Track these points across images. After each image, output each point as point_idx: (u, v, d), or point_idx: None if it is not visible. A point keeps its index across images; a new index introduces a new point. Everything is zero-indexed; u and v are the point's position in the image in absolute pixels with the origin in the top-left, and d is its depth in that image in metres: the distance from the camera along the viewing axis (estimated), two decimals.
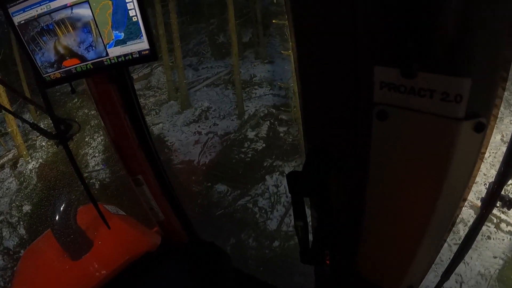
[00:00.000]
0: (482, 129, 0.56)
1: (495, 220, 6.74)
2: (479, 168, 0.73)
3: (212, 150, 8.16)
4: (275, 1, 10.47)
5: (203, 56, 12.39)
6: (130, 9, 1.11)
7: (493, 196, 0.80)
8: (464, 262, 5.90)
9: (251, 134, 8.36)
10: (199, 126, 8.99)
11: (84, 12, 1.09)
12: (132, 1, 1.09)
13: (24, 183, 8.06)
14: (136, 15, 1.12)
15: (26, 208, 7.29)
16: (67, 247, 1.90)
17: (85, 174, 7.63)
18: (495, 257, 6.12)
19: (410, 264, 0.82)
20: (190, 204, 6.60)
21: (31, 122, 1.48)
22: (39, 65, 1.15)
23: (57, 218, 1.85)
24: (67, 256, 1.92)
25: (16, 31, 1.09)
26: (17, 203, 7.53)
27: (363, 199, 0.77)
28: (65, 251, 1.91)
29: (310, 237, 0.85)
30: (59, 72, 1.17)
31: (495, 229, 6.60)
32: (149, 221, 2.15)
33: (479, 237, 6.33)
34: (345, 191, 0.80)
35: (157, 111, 9.78)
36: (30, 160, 8.63)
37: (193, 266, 2.07)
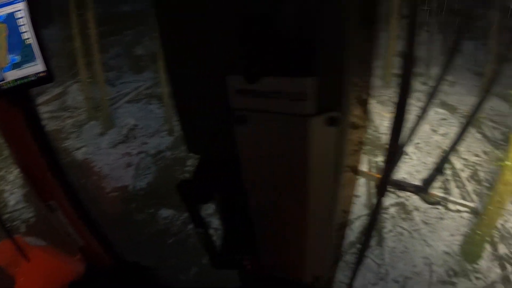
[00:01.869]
0: (336, 123, 0.62)
1: (450, 206, 6.86)
2: (359, 160, 0.85)
3: (148, 171, 7.28)
4: None
5: (120, 70, 11.53)
6: (24, 32, 1.11)
7: (383, 182, 0.87)
8: (428, 245, 5.98)
9: None
10: (128, 147, 8.02)
11: None
12: (26, 24, 1.09)
13: None
14: (31, 37, 1.12)
15: None
16: None
17: (6, 215, 6.59)
18: (452, 235, 6.26)
19: (306, 256, 0.86)
20: (136, 235, 5.73)
21: None
22: None
23: None
24: None
25: None
26: None
27: (249, 201, 0.82)
28: None
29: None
30: None
31: (445, 210, 6.76)
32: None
33: (433, 219, 6.69)
34: (233, 194, 0.84)
35: (77, 133, 8.61)
36: None
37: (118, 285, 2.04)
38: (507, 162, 5.12)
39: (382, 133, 9.02)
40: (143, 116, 9.08)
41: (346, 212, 0.96)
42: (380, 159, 8.03)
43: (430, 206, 6.66)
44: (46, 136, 1.61)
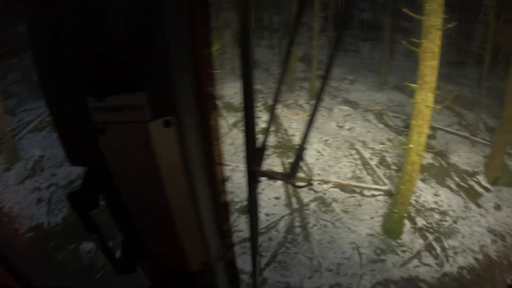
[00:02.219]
0: (169, 125, 0.76)
1: (365, 192, 7.46)
2: (219, 153, 0.97)
3: (61, 205, 6.74)
4: None
5: (20, 97, 10.60)
6: None
7: (249, 173, 1.03)
8: (352, 231, 6.41)
9: None
10: (36, 181, 7.32)
11: None
12: None
13: None
14: None
15: None
16: None
17: None
18: (372, 218, 6.79)
19: (184, 247, 0.94)
20: (61, 276, 5.31)
21: None
22: None
23: None
24: None
25: None
26: None
27: (125, 203, 0.91)
28: None
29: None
30: None
31: (361, 197, 7.31)
32: None
33: (352, 207, 7.20)
34: (118, 199, 0.93)
35: None
36: None
37: None
38: (410, 145, 5.63)
39: (291, 135, 9.47)
40: (49, 145, 8.32)
41: (221, 201, 1.06)
42: (291, 160, 8.20)
43: (346, 196, 7.22)
44: None
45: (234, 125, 9.49)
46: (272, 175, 1.22)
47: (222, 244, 1.13)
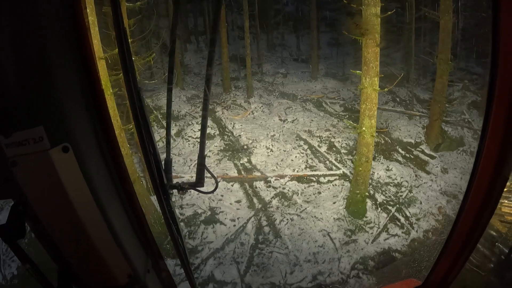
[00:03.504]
0: (68, 150, 0.86)
1: (321, 179, 7.55)
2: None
3: (12, 255, 5.90)
4: None
5: None
6: None
7: (157, 187, 1.11)
8: (319, 219, 6.46)
9: None
10: None
11: None
12: None
13: None
14: None
15: None
16: None
17: None
18: (334, 203, 6.89)
19: (107, 263, 1.00)
20: None
21: None
22: None
23: None
24: None
25: None
26: None
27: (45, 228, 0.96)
28: None
29: None
30: None
31: (318, 185, 7.41)
32: None
33: (313, 197, 7.25)
34: (41, 228, 0.98)
35: None
36: None
37: None
38: (363, 129, 5.79)
39: (237, 136, 9.33)
40: None
41: (137, 213, 1.12)
42: (244, 160, 8.25)
43: (305, 186, 7.24)
44: None
45: (177, 134, 9.05)
46: (181, 187, 1.29)
47: (147, 254, 1.18)
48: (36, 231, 0.99)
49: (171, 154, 1.22)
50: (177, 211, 6.82)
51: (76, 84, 0.92)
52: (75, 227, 0.96)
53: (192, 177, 7.16)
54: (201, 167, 1.32)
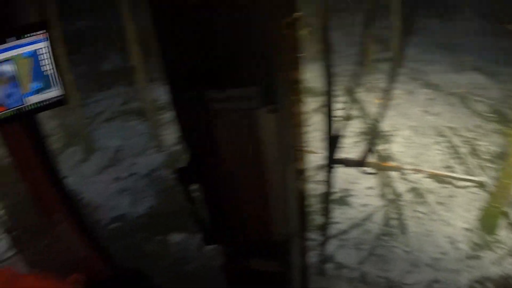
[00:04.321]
0: (276, 111, 0.95)
1: (458, 183, 6.87)
2: (303, 138, 1.12)
3: (144, 195, 6.63)
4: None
5: (87, 89, 10.82)
6: (46, 65, 1.35)
7: (327, 160, 1.55)
8: (448, 224, 5.97)
9: None
10: (116, 171, 7.31)
11: (8, 68, 1.28)
12: (49, 58, 1.33)
13: None
14: (52, 69, 1.36)
15: None
16: None
17: None
18: (467, 211, 6.20)
19: (271, 218, 1.14)
20: (150, 269, 5.14)
21: None
22: None
23: None
24: None
25: None
26: None
27: (227, 180, 1.08)
28: None
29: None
30: None
31: (455, 188, 6.75)
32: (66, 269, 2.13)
33: (446, 199, 6.65)
34: (216, 176, 1.10)
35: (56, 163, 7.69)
36: None
37: None
38: None
39: (376, 121, 8.75)
40: (124, 134, 8.41)
41: (301, 179, 1.20)
42: (382, 147, 7.89)
43: (439, 186, 6.70)
44: (48, 155, 1.80)
45: (316, 110, 9.03)
46: (348, 162, 1.27)
47: (300, 223, 1.27)
48: (208, 180, 1.13)
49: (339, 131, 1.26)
50: (312, 185, 6.92)
51: (284, 49, 0.97)
52: (258, 183, 1.06)
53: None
54: (370, 147, 1.55)
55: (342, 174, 6.64)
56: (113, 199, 6.63)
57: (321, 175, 6.64)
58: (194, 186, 1.22)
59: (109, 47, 12.24)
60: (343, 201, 6.57)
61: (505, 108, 9.17)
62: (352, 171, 6.91)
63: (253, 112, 0.97)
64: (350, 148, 7.73)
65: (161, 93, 9.78)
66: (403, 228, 6.05)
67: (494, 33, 12.51)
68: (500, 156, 7.34)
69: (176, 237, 5.72)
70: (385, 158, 7.61)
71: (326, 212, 1.37)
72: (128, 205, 6.47)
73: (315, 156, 7.62)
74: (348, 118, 8.97)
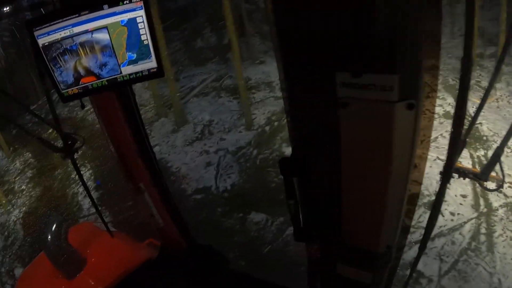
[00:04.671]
0: (413, 108, 0.83)
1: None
2: (427, 148, 1.00)
3: (230, 171, 6.76)
4: None
5: (181, 64, 11.31)
6: (142, 34, 1.31)
7: (447, 168, 1.04)
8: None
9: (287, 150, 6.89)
10: (204, 144, 7.56)
11: (103, 36, 1.25)
12: (145, 28, 1.30)
13: (10, 239, 6.47)
14: (148, 39, 1.33)
15: (19, 272, 5.71)
16: (61, 267, 1.98)
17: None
18: None
19: (381, 228, 1.02)
20: (226, 244, 5.29)
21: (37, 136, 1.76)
22: (59, 82, 1.32)
23: (49, 239, 1.92)
24: (62, 276, 1.99)
25: (40, 52, 1.25)
26: (6, 267, 5.93)
27: (338, 178, 0.97)
28: (59, 271, 1.99)
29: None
30: (76, 88, 1.34)
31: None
32: (143, 234, 2.40)
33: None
34: (324, 172, 0.99)
35: (148, 131, 8.28)
36: (11, 209, 7.11)
37: (191, 271, 2.18)
38: None
39: (478, 123, 7.90)
40: (215, 110, 8.61)
41: (417, 184, 1.10)
42: (481, 153, 7.09)
43: None
44: (139, 125, 1.79)
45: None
46: (464, 172, 1.17)
47: (402, 234, 1.18)
48: (315, 175, 1.02)
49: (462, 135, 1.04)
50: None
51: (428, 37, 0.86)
52: (376, 185, 0.94)
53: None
54: (495, 159, 1.18)
55: (434, 174, 6.04)
56: (199, 172, 6.88)
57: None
58: (296, 179, 1.06)
59: (206, 24, 12.66)
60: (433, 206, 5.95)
61: None
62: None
63: (389, 106, 0.82)
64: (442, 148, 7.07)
65: (254, 72, 10.01)
66: (490, 246, 5.45)
67: None
68: None
69: (255, 217, 5.75)
70: (484, 164, 6.75)
71: (430, 225, 1.15)
72: (213, 179, 6.67)
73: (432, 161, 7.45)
74: (445, 116, 8.11)
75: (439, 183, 1.08)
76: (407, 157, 0.88)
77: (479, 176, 1.18)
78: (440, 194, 1.12)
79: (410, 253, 5.17)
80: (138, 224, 5.29)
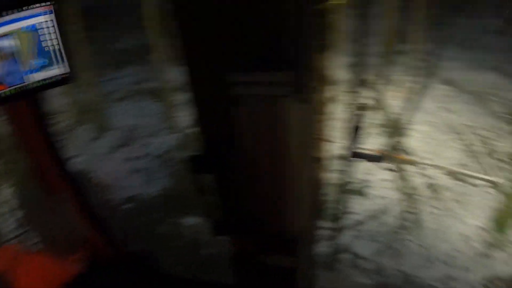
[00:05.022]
0: (304, 102, 0.91)
1: (475, 181, 6.87)
2: (324, 130, 1.53)
3: (159, 176, 6.62)
4: None
5: (100, 67, 10.74)
6: (52, 39, 1.27)
7: (349, 152, 1.75)
8: (462, 222, 5.95)
9: None
10: (130, 150, 7.30)
11: (8, 43, 1.19)
12: (56, 32, 1.25)
13: None
14: (59, 44, 1.28)
15: None
16: None
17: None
18: (482, 210, 6.20)
19: (292, 213, 1.09)
20: (163, 250, 5.19)
21: None
22: None
23: None
24: None
25: None
26: None
27: (249, 170, 1.02)
28: None
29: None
30: None
31: (471, 187, 6.76)
32: (71, 249, 2.19)
33: (462, 197, 6.52)
34: (236, 166, 1.03)
35: (68, 141, 7.72)
36: None
37: (124, 280, 2.15)
38: None
39: (394, 114, 8.67)
40: (139, 114, 8.37)
41: (319, 169, 1.30)
42: (398, 140, 7.80)
43: (455, 183, 6.71)
44: (53, 134, 1.77)
45: (336, 99, 9.00)
46: (365, 156, 1.40)
47: (315, 216, 1.49)
48: (224, 169, 1.06)
49: (359, 122, 1.38)
50: (331, 174, 6.95)
51: (315, 35, 0.96)
52: (277, 175, 1.00)
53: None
54: (389, 144, 1.53)
55: (359, 164, 6.85)
56: (126, 179, 6.64)
57: (338, 166, 6.77)
58: (207, 176, 1.13)
59: (126, 25, 12.18)
60: (360, 192, 6.60)
61: None
62: (369, 163, 7.08)
63: (281, 100, 0.90)
64: (368, 140, 7.72)
65: (176, 74, 9.79)
66: (418, 223, 6.10)
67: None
68: None
69: (189, 221, 5.71)
70: (402, 151, 7.59)
71: (341, 203, 1.33)
72: (141, 186, 6.47)
73: (333, 145, 7.85)
74: (366, 109, 9.01)
75: (344, 167, 1.27)
76: (304, 148, 1.00)
77: (377, 158, 1.38)
78: (345, 174, 1.31)
79: (343, 238, 5.54)
80: (65, 238, 4.98)
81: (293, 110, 0.92)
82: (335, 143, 7.59)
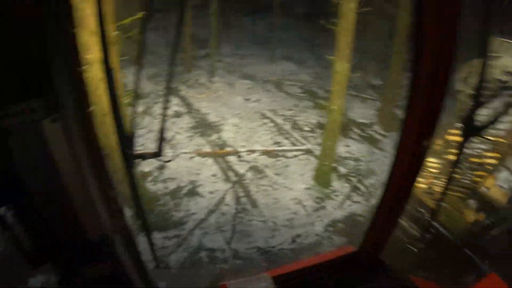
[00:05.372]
0: (56, 121, 0.96)
1: (288, 154, 8.07)
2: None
3: None
4: None
5: None
6: None
7: (126, 155, 1.27)
8: (290, 189, 7.04)
9: None
10: None
11: None
12: None
13: None
14: None
15: None
16: None
17: None
18: (302, 174, 7.48)
19: (84, 220, 1.16)
20: None
21: None
22: None
23: None
24: None
25: None
26: None
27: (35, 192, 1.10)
28: None
29: None
30: None
31: (286, 159, 7.98)
32: None
33: (282, 169, 7.46)
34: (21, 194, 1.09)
35: None
36: None
37: None
38: (333, 107, 6.39)
39: (205, 114, 9.60)
40: None
41: (107, 184, 1.27)
42: (214, 137, 8.60)
43: (273, 160, 7.85)
44: None
45: (145, 112, 9.07)
46: (144, 156, 1.39)
47: (116, 220, 1.33)
48: (21, 197, 1.10)
49: (134, 125, 1.34)
50: (161, 185, 7.12)
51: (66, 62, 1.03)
52: (60, 192, 1.08)
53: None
54: (162, 140, 1.45)
55: (182, 167, 7.36)
56: None
57: (125, 173, 6.61)
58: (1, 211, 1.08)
59: None
60: (192, 193, 6.97)
61: (315, 87, 11.20)
62: (189, 163, 7.51)
63: (38, 124, 0.96)
64: (187, 141, 8.27)
65: None
66: (253, 202, 6.83)
67: (301, 28, 14.82)
68: (318, 126, 9.10)
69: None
70: (220, 145, 8.31)
71: (138, 208, 1.36)
72: None
73: (117, 155, 7.66)
74: (169, 114, 9.21)
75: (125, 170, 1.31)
76: (75, 158, 1.09)
77: (156, 154, 1.42)
78: (131, 179, 1.33)
79: (193, 240, 5.89)
80: None
81: (52, 131, 1.01)
82: (118, 152, 7.53)
